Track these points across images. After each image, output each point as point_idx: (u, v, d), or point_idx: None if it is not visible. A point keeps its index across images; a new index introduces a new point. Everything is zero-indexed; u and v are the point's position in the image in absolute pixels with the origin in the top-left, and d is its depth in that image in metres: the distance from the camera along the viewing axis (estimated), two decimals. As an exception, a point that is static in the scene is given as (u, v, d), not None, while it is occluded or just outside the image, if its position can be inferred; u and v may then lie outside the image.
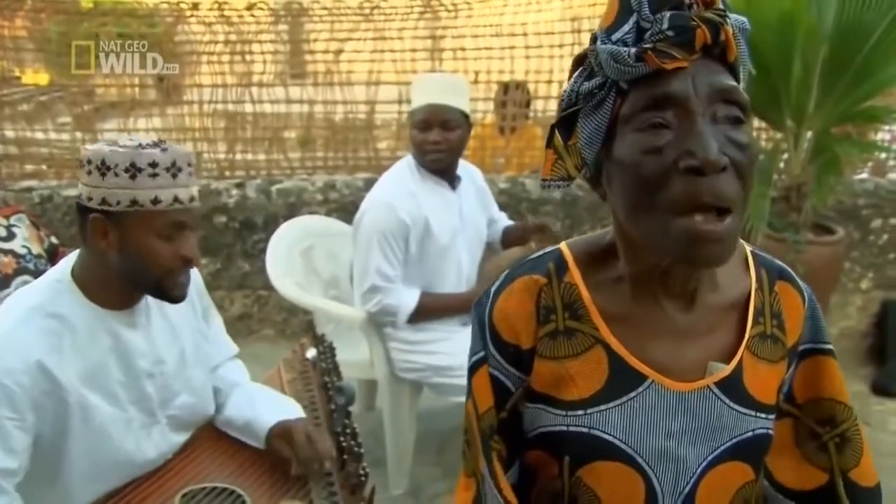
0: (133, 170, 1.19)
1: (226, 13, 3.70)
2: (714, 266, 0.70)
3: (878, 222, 3.60)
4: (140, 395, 1.31)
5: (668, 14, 0.66)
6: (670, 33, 0.66)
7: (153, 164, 1.20)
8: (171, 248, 1.25)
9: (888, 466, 2.71)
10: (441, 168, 2.26)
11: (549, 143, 0.77)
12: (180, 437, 1.41)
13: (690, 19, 0.66)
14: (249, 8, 3.74)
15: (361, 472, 1.40)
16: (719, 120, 0.67)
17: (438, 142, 2.20)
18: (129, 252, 1.23)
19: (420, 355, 2.27)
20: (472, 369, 0.82)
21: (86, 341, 1.23)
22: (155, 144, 1.24)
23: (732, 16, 0.69)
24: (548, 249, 0.83)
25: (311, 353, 1.84)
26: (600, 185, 0.76)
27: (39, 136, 3.92)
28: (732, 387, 0.77)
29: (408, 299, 2.23)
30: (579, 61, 0.75)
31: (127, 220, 1.22)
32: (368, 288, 2.22)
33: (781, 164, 3.09)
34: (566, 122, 0.75)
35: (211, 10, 3.70)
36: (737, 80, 0.70)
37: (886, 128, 3.72)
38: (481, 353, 0.81)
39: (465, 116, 2.25)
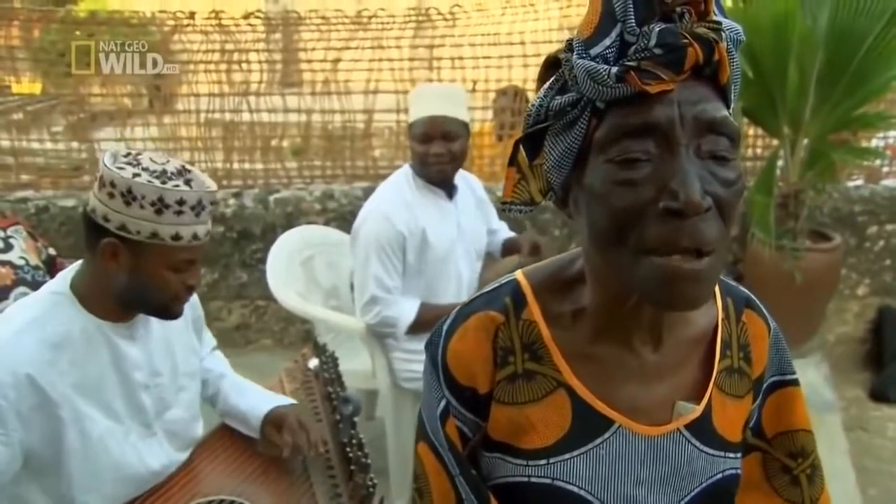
0: (160, 204, 1.18)
1: (223, 23, 3.69)
2: (690, 309, 0.61)
3: (873, 229, 3.61)
4: (137, 407, 1.30)
5: (657, 28, 0.58)
6: (658, 51, 0.57)
7: (180, 202, 1.20)
8: (180, 278, 1.26)
9: (887, 472, 2.73)
10: (444, 178, 2.26)
11: (513, 160, 0.69)
12: (180, 454, 1.40)
13: (682, 36, 0.58)
14: (246, 17, 3.74)
15: (370, 482, 1.39)
16: (704, 154, 0.59)
17: (441, 153, 2.19)
18: (138, 278, 1.23)
19: (423, 364, 2.25)
20: (443, 418, 0.73)
21: (84, 354, 1.23)
22: (179, 173, 1.23)
23: (726, 23, 0.60)
24: (503, 280, 0.76)
25: (313, 363, 1.83)
26: (567, 205, 0.68)
27: (35, 145, 3.90)
28: (702, 428, 0.72)
29: (407, 311, 2.22)
30: (550, 64, 0.67)
31: (143, 250, 1.21)
32: (368, 299, 2.21)
33: (778, 172, 3.10)
34: (532, 140, 0.66)
35: (207, 19, 3.69)
36: (727, 103, 0.62)
37: (881, 134, 3.75)
38: (445, 401, 0.74)
39: (465, 125, 2.25)
